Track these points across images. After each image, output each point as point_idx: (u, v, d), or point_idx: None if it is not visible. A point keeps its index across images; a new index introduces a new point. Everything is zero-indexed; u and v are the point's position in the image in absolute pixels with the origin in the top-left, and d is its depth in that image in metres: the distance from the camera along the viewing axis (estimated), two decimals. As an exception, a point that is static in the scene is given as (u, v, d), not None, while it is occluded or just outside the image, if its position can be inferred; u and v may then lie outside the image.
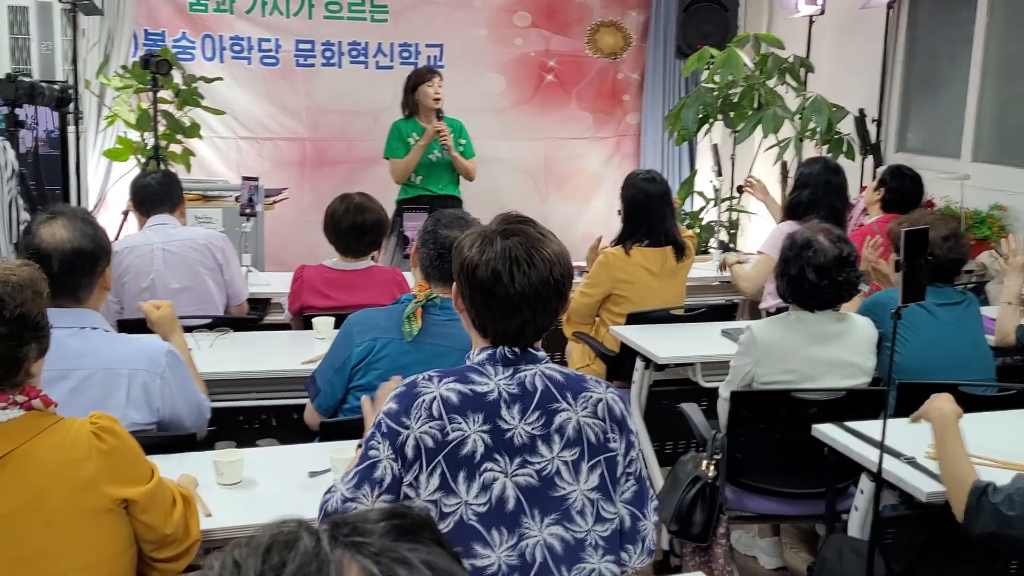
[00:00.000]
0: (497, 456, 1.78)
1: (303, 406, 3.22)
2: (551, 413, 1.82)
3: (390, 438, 1.78)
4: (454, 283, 1.90)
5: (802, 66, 5.94)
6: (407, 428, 1.77)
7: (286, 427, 3.36)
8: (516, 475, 1.78)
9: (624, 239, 4.13)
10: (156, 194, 3.87)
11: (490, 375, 1.82)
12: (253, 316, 4.04)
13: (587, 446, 1.83)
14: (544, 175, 7.52)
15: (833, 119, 5.52)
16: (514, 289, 1.80)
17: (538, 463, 1.80)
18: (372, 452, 1.79)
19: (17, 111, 3.44)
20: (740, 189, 6.55)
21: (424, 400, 1.78)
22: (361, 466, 1.79)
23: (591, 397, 1.85)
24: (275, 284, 4.48)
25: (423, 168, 5.44)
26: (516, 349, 1.84)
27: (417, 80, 5.41)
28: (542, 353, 1.88)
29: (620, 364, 4.00)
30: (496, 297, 1.81)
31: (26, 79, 3.46)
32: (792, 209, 4.36)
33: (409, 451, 1.76)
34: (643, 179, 4.17)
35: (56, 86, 3.63)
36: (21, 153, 3.52)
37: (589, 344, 4.17)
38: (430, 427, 1.77)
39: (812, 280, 2.98)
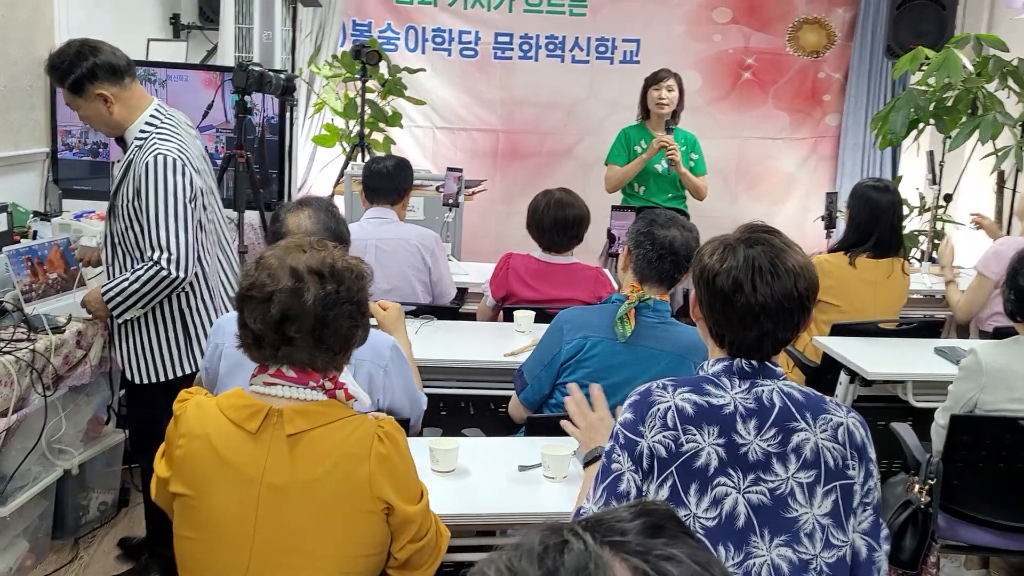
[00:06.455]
0: (730, 471, 1.74)
1: (501, 397, 3.26)
2: (788, 432, 1.76)
3: (628, 449, 1.77)
4: (692, 291, 1.87)
5: (1027, 70, 5.57)
6: (642, 437, 1.76)
7: (482, 416, 3.40)
8: (748, 492, 1.74)
9: (848, 248, 4.01)
10: (382, 182, 3.92)
11: (726, 387, 1.78)
12: (453, 305, 4.10)
13: (824, 470, 1.77)
14: (735, 175, 7.36)
15: (1060, 127, 5.16)
16: (755, 299, 1.75)
17: (772, 482, 1.75)
18: (614, 465, 1.78)
19: (246, 98, 3.61)
20: (948, 198, 6.23)
21: (659, 409, 1.76)
22: (605, 481, 1.78)
23: (831, 420, 1.79)
24: (473, 274, 4.54)
25: (647, 179, 5.12)
26: (753, 362, 1.80)
27: (648, 82, 5.14)
28: (780, 369, 1.83)
29: (820, 376, 3.88)
30: (736, 306, 1.77)
31: (256, 68, 3.63)
32: None
33: (645, 461, 1.75)
34: (872, 187, 4.02)
35: (282, 75, 3.79)
36: (248, 139, 3.70)
37: (788, 353, 4.05)
38: (663, 436, 1.74)
39: None
